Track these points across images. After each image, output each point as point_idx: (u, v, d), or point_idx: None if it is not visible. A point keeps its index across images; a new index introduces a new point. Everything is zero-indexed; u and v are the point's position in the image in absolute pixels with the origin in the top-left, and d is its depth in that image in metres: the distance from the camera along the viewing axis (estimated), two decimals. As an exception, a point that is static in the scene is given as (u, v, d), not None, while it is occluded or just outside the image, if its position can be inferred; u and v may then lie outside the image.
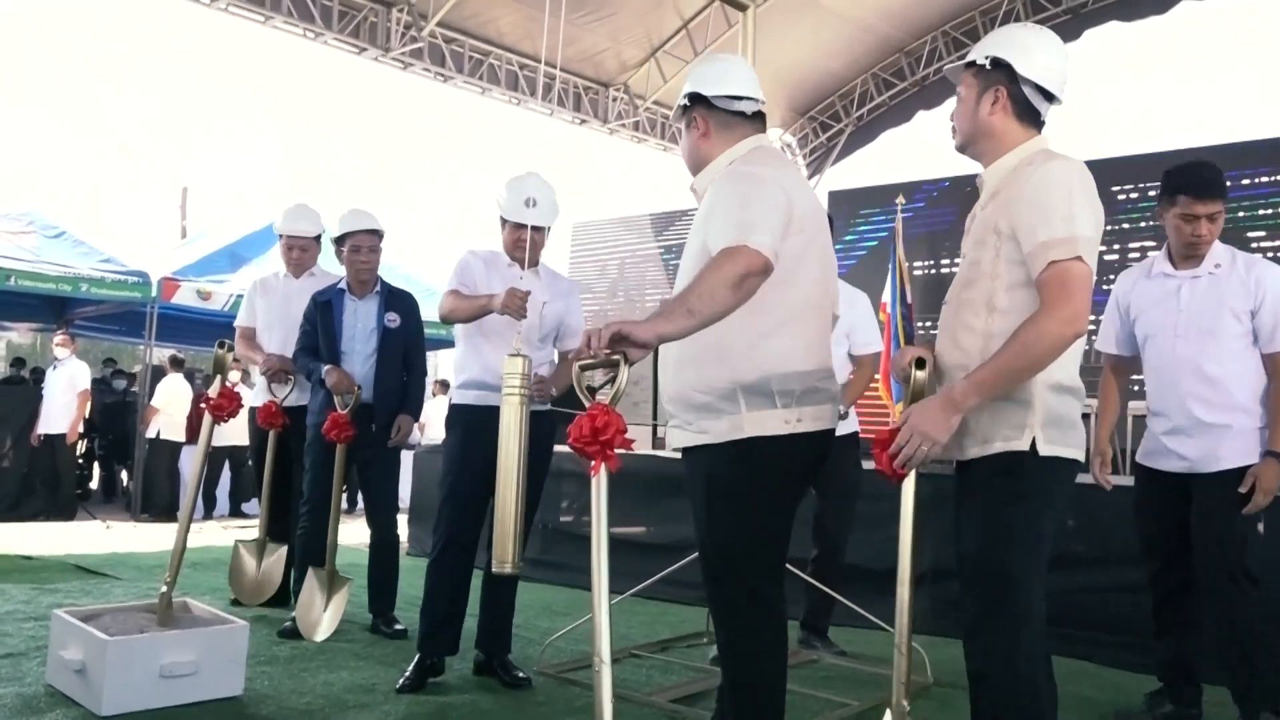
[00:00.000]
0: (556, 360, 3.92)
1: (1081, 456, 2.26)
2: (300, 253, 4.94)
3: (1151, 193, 9.57)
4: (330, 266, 5.17)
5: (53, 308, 11.20)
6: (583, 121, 12.96)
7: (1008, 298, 2.23)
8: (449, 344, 5.77)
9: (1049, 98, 2.36)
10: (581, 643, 4.33)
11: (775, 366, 2.37)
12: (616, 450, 2.05)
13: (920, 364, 2.28)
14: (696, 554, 4.39)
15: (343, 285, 4.49)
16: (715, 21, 11.77)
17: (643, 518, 5.87)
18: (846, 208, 11.19)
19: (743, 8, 4.99)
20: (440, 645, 3.65)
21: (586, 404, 2.07)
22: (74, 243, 9.36)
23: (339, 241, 4.47)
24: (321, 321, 4.41)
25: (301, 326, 4.52)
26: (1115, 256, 9.71)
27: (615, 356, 2.06)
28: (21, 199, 10.13)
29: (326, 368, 4.30)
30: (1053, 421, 2.20)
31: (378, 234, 4.48)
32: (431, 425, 12.04)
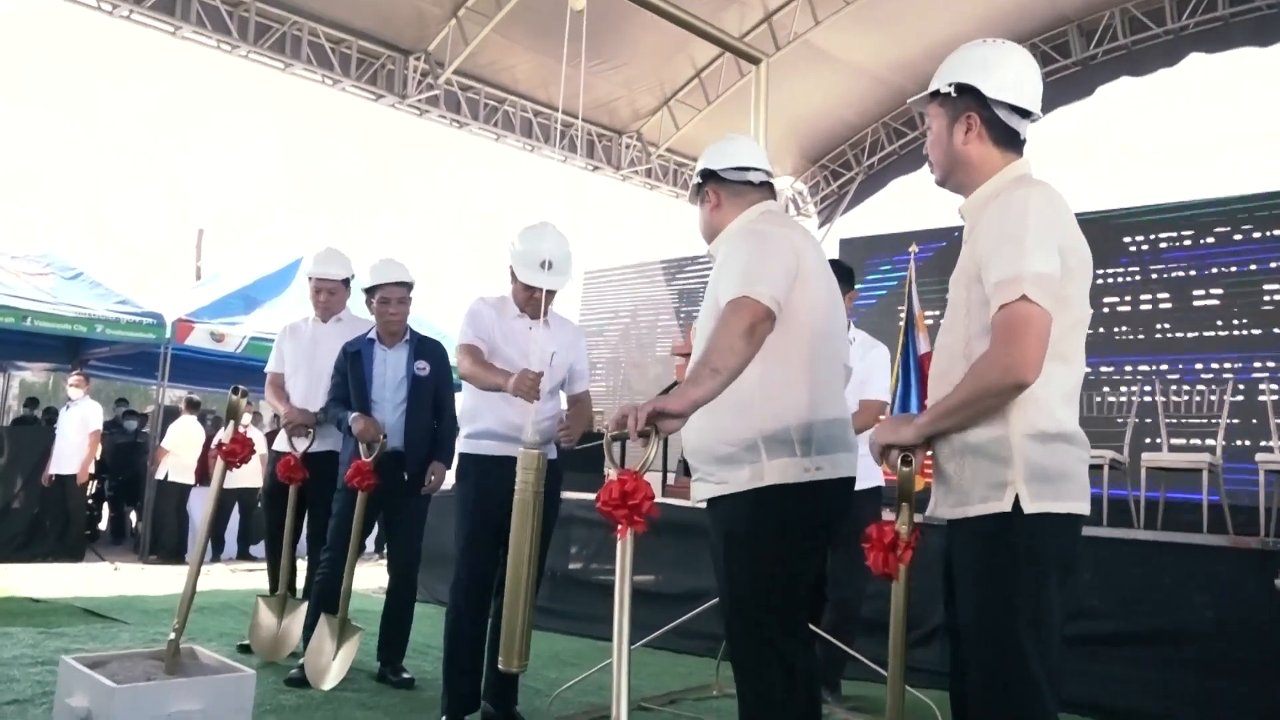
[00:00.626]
0: (565, 405, 3.94)
1: (1083, 509, 2.10)
2: (328, 295, 4.97)
3: (1163, 244, 9.61)
4: (359, 311, 5.23)
5: (68, 348, 11.27)
6: (596, 168, 13.09)
7: (980, 343, 2.08)
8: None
9: (1024, 114, 2.24)
10: (589, 694, 4.30)
11: (794, 416, 2.45)
12: (643, 517, 2.13)
13: (906, 460, 2.18)
14: (706, 605, 4.42)
15: (372, 335, 4.53)
16: (727, 71, 11.93)
17: (652, 567, 5.84)
18: (858, 256, 11.25)
19: (755, 60, 5.07)
20: (466, 703, 3.65)
21: (613, 472, 2.16)
22: (90, 284, 9.46)
23: (369, 292, 4.52)
24: (351, 371, 4.45)
25: (332, 377, 4.56)
26: (1127, 308, 9.71)
27: (646, 429, 2.16)
28: (39, 240, 10.24)
29: (354, 416, 4.32)
30: (1038, 475, 2.04)
31: (407, 285, 4.53)
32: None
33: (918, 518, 2.23)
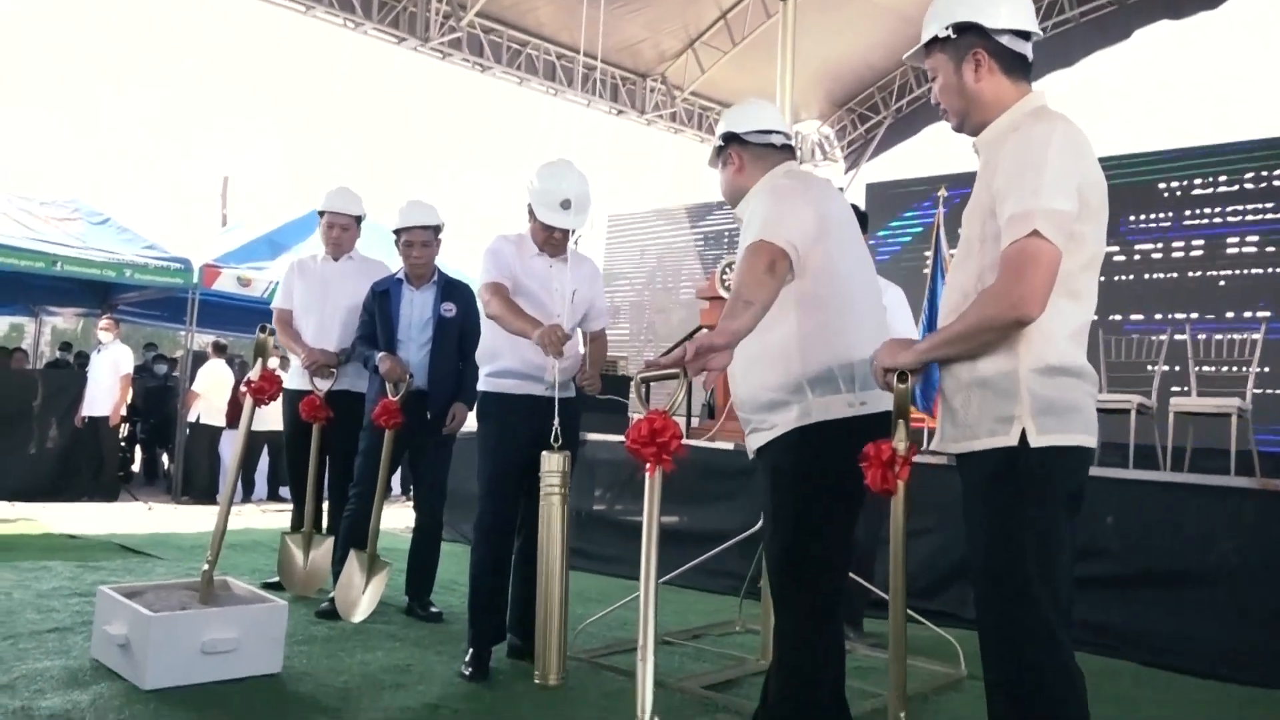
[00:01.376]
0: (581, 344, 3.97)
1: (1090, 442, 2.08)
2: (340, 231, 4.95)
3: (1196, 187, 9.43)
4: (368, 250, 5.24)
5: (97, 293, 11.41)
6: (620, 112, 12.96)
7: (991, 279, 2.07)
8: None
9: (1026, 36, 2.21)
10: (613, 628, 4.36)
11: (837, 357, 2.56)
12: (670, 455, 2.18)
13: (903, 377, 2.20)
14: (729, 543, 4.45)
15: (401, 275, 4.55)
16: (754, 12, 11.72)
17: (677, 507, 5.89)
18: (885, 201, 11.13)
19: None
20: (492, 636, 3.71)
21: (644, 411, 2.23)
22: (118, 229, 9.53)
23: (397, 234, 4.52)
24: (379, 310, 4.49)
25: (360, 315, 4.61)
26: (1158, 251, 9.57)
27: (675, 369, 2.25)
28: (67, 187, 10.29)
29: (380, 355, 4.35)
30: (1044, 409, 2.04)
31: (432, 229, 4.51)
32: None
33: (938, 458, 2.24)
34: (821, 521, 2.58)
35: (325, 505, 4.95)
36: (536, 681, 2.94)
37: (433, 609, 4.49)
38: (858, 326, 2.61)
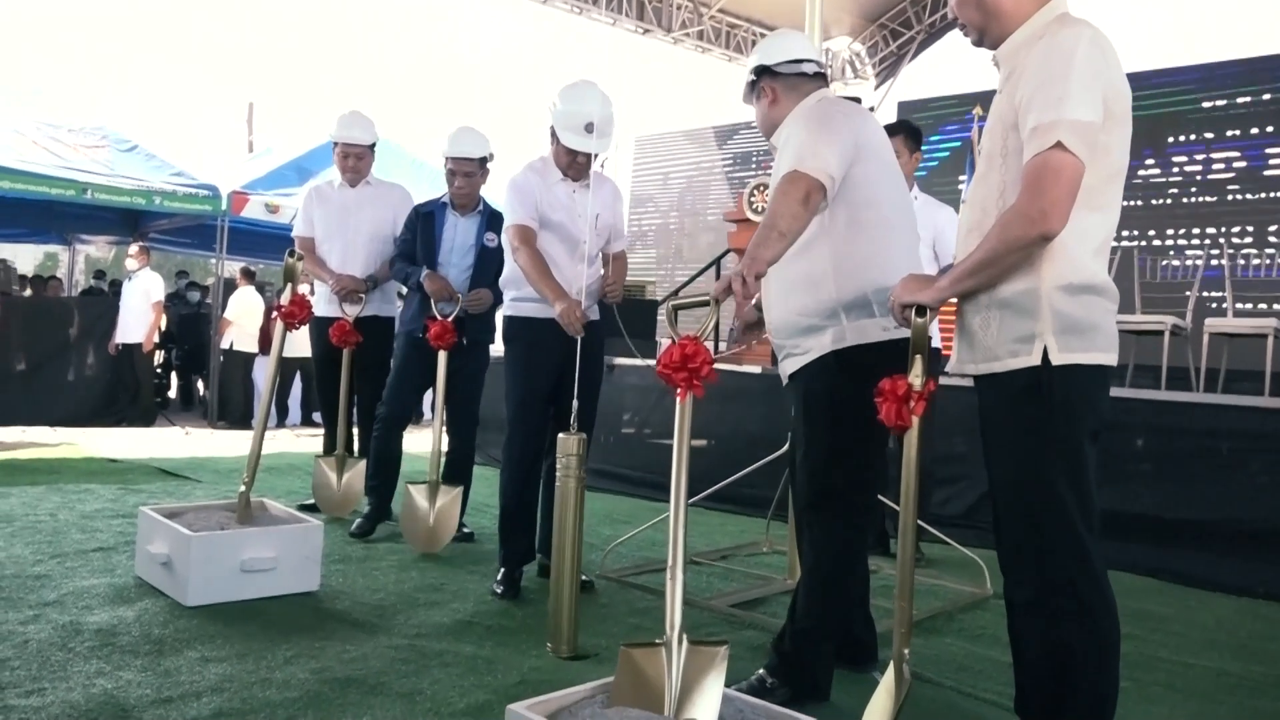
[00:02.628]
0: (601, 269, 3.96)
1: (1111, 360, 2.07)
2: (355, 160, 4.91)
3: (1240, 101, 9.15)
4: (384, 173, 5.21)
5: (128, 221, 11.47)
6: (646, 31, 12.70)
7: (1013, 193, 2.03)
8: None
9: None
10: (642, 549, 4.43)
11: (871, 282, 2.60)
12: (701, 381, 2.23)
13: (920, 311, 2.18)
14: (758, 464, 4.48)
15: (446, 199, 4.52)
16: (784, -76, 11.38)
17: (705, 430, 5.92)
18: (919, 119, 10.89)
19: (813, -92, 4.81)
20: (521, 556, 3.77)
21: (675, 338, 2.28)
22: (146, 156, 9.52)
23: (446, 160, 4.47)
24: (422, 232, 4.47)
25: (401, 235, 4.62)
26: (1198, 169, 9.34)
27: (706, 297, 2.34)
28: (94, 114, 10.26)
29: (426, 272, 4.34)
30: (1067, 327, 2.02)
31: (478, 161, 4.43)
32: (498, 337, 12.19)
33: (966, 379, 2.23)
34: (852, 444, 2.63)
35: (356, 429, 5.00)
36: (549, 650, 3.00)
37: (465, 529, 4.56)
38: (891, 251, 2.65)
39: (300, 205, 5.14)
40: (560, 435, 3.10)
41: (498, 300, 4.27)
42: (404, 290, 4.84)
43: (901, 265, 2.60)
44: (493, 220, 4.51)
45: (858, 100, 3.82)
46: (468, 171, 4.42)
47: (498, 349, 4.17)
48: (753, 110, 2.95)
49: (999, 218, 2.04)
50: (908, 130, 4.48)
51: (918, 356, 2.21)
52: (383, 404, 4.58)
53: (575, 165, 3.70)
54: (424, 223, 4.49)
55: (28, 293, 12.07)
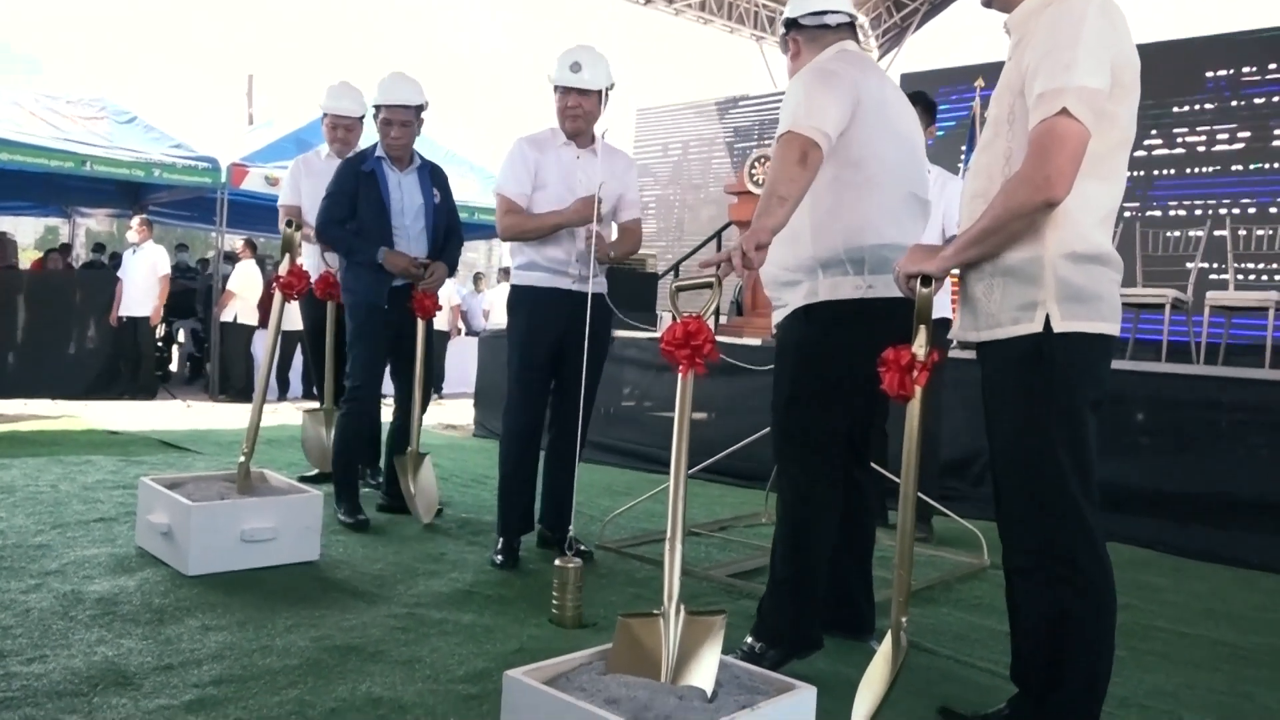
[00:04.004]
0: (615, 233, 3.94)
1: (1113, 330, 2.07)
2: (345, 132, 4.84)
3: (1245, 74, 9.07)
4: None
5: (128, 194, 11.43)
6: (647, 2, 12.59)
7: (1020, 160, 2.02)
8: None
9: None
10: (641, 520, 4.44)
11: (846, 240, 2.59)
12: (703, 359, 2.24)
13: (926, 281, 2.18)
14: (756, 436, 4.48)
15: (380, 154, 4.19)
16: (786, -107, 11.25)
17: (705, 402, 5.91)
18: (920, 90, 10.81)
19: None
20: (520, 527, 3.77)
21: (678, 317, 2.30)
22: (145, 128, 9.46)
23: (377, 109, 4.20)
24: (367, 194, 4.13)
25: (333, 197, 4.15)
26: (1200, 140, 9.28)
27: (710, 278, 2.34)
28: (93, 85, 10.19)
29: (384, 253, 4.07)
30: (1070, 295, 2.02)
31: (412, 109, 4.16)
32: (496, 311, 12.18)
33: (965, 351, 2.22)
34: (813, 393, 2.65)
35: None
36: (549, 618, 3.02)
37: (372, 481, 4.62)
38: (875, 211, 2.62)
39: (287, 174, 5.06)
40: (556, 563, 3.04)
41: (450, 270, 4.28)
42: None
43: (886, 227, 2.61)
44: (434, 175, 4.33)
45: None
46: (404, 121, 4.15)
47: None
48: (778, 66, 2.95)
49: (1003, 184, 2.03)
50: (924, 102, 4.45)
51: (922, 326, 2.20)
52: (354, 381, 4.20)
53: (570, 113, 3.65)
54: (367, 183, 4.13)
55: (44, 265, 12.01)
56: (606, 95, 3.71)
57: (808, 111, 2.49)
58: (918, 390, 2.21)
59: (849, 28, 2.82)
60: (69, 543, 3.57)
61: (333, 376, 4.80)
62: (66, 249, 13.34)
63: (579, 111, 3.64)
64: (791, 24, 2.81)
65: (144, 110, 10.00)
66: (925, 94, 4.75)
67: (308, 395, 10.06)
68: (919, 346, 2.19)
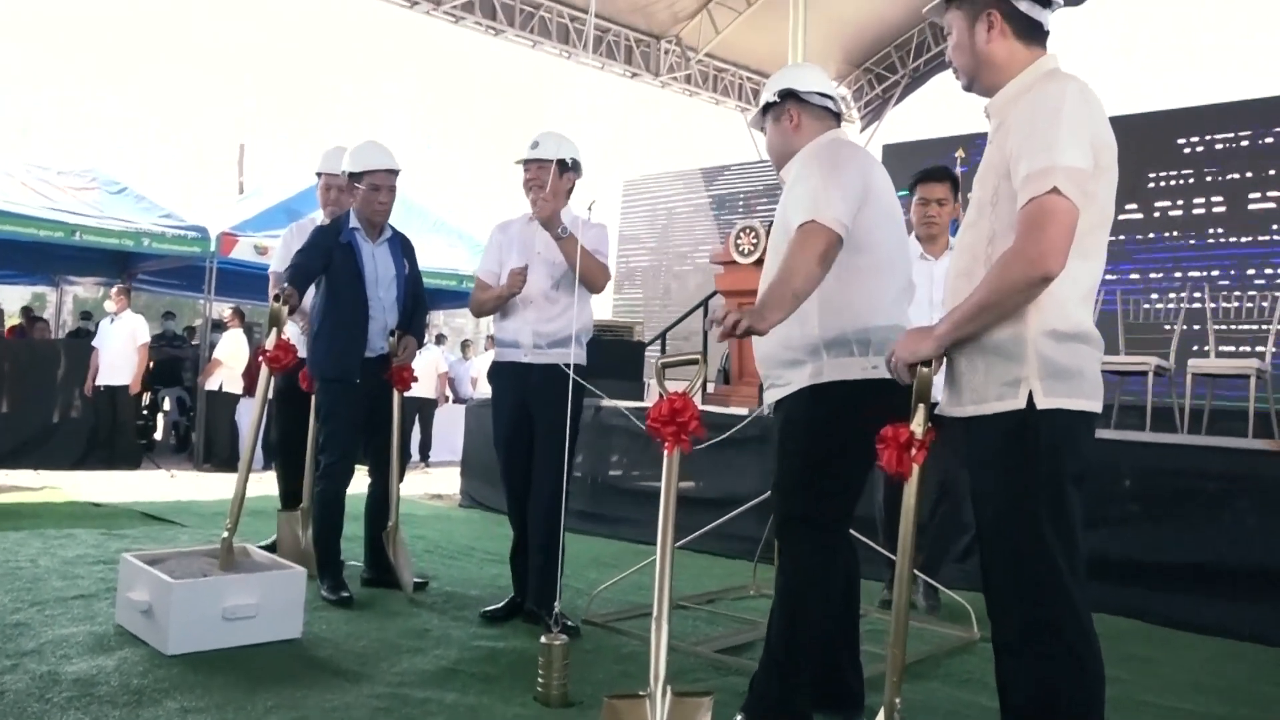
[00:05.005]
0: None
1: (1095, 407, 2.10)
2: (339, 193, 4.78)
3: (1219, 144, 9.28)
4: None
5: (116, 262, 11.46)
6: (634, 75, 12.84)
7: (1004, 240, 2.06)
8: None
9: (1045, 3, 2.19)
10: (628, 593, 4.40)
11: (852, 322, 2.64)
12: (689, 436, 2.29)
13: (925, 362, 2.19)
14: (744, 507, 4.47)
15: (354, 225, 4.21)
16: (769, -29, 11.56)
17: (692, 471, 5.91)
18: (902, 162, 11.00)
19: (795, -44, 4.91)
20: (517, 589, 3.98)
21: (664, 394, 2.35)
22: (136, 198, 9.56)
23: (355, 178, 4.21)
24: (343, 263, 4.13)
25: (306, 251, 4.13)
26: (1178, 210, 9.45)
27: (694, 355, 2.44)
28: (85, 155, 10.32)
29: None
30: (1052, 372, 2.05)
31: (397, 173, 4.26)
32: (484, 379, 12.19)
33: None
34: (821, 472, 2.67)
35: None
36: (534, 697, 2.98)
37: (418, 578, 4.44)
38: (879, 293, 2.69)
39: (280, 242, 5.01)
40: (542, 640, 3.00)
41: (418, 342, 4.38)
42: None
43: (891, 309, 2.68)
44: (404, 246, 4.36)
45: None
46: (392, 185, 4.23)
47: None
48: (759, 134, 3.00)
49: (996, 261, 2.06)
50: (953, 179, 4.53)
51: (920, 405, 2.21)
52: (330, 457, 4.15)
53: (531, 185, 3.79)
54: (344, 253, 4.13)
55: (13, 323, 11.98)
56: (571, 173, 3.87)
57: (828, 201, 2.55)
58: (915, 468, 2.22)
59: (839, 118, 2.93)
60: (47, 621, 3.52)
61: (313, 472, 4.48)
62: (31, 315, 13.24)
63: (537, 182, 3.77)
64: (790, 95, 2.85)
65: (136, 180, 10.13)
66: (950, 169, 4.73)
67: (268, 465, 9.98)
68: (917, 425, 2.21)
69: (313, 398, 4.41)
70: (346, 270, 4.13)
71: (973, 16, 2.21)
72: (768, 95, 2.91)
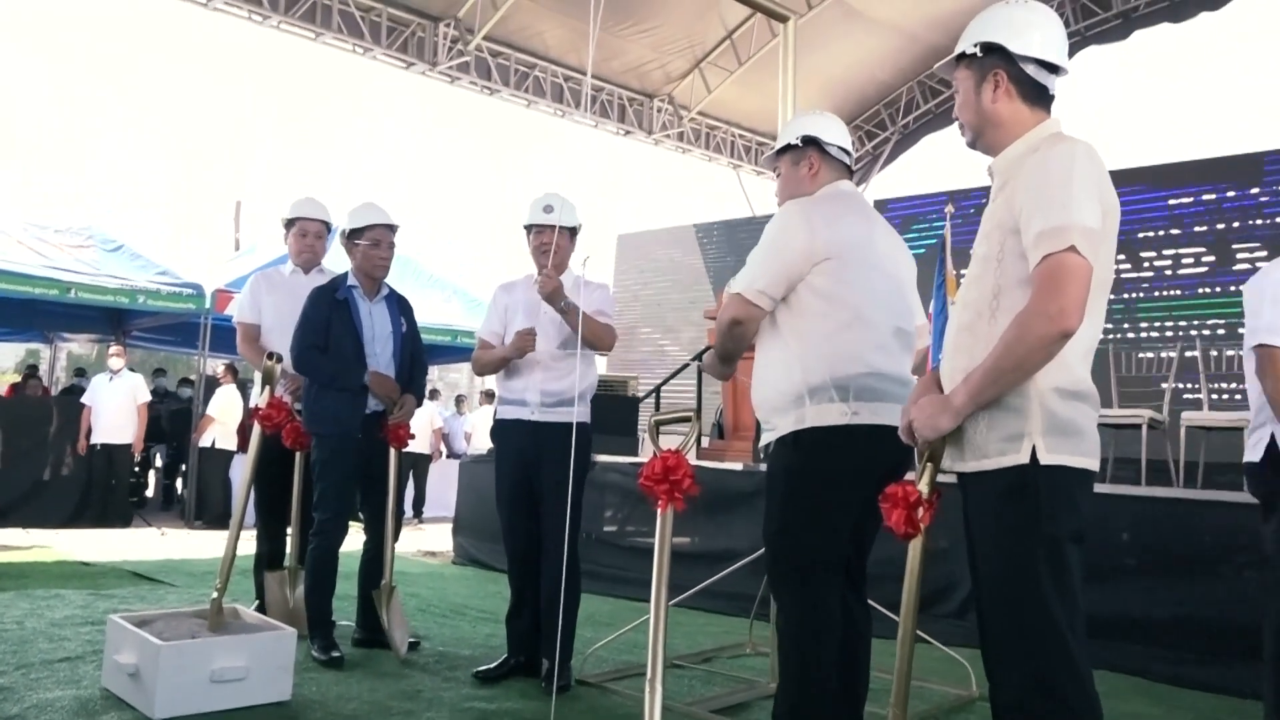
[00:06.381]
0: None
1: (1094, 465, 2.09)
2: (314, 239, 4.71)
3: (1206, 196, 9.40)
4: (335, 265, 4.95)
5: (111, 319, 11.50)
6: (627, 133, 13.02)
7: (1010, 297, 2.09)
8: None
9: (1052, 69, 2.24)
10: (623, 652, 4.34)
11: (833, 369, 2.67)
12: (682, 494, 2.29)
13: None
14: (739, 564, 4.44)
15: (352, 283, 4.23)
16: (759, 32, 11.80)
17: (687, 528, 5.87)
18: (892, 218, 11.14)
19: (783, 19, 4.99)
20: (514, 650, 3.93)
21: (656, 451, 2.35)
22: (132, 256, 9.61)
23: (355, 235, 4.22)
24: (340, 322, 4.14)
25: (309, 324, 4.14)
26: (1167, 264, 9.55)
27: (688, 413, 2.45)
28: (81, 213, 10.41)
29: (371, 374, 4.09)
30: (1055, 429, 2.05)
31: (395, 229, 4.29)
32: (478, 434, 12.15)
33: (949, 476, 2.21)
34: (806, 514, 2.67)
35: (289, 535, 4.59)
36: None
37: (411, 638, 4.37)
38: (856, 343, 2.70)
39: (246, 291, 4.78)
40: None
41: (418, 400, 4.36)
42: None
43: (872, 356, 2.69)
44: (401, 305, 4.37)
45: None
46: (390, 241, 4.27)
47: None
48: (751, 189, 3.07)
49: (1011, 322, 2.04)
50: None
51: (929, 464, 2.19)
52: (324, 513, 4.11)
53: (543, 250, 3.81)
54: (340, 311, 4.15)
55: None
56: (575, 239, 3.97)
57: (756, 274, 2.70)
58: (922, 528, 2.20)
59: (850, 170, 3.00)
60: (31, 685, 3.46)
61: (299, 531, 4.47)
62: (30, 373, 13.24)
63: (550, 247, 3.80)
64: (813, 142, 2.91)
65: (132, 237, 10.18)
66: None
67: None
68: (924, 484, 2.19)
69: (296, 455, 4.35)
70: (344, 328, 4.14)
71: (980, 76, 2.25)
72: (790, 138, 2.96)
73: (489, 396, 12.73)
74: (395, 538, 4.31)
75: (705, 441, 7.53)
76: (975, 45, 2.25)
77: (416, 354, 4.40)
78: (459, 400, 14.28)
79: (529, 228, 3.91)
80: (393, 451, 4.21)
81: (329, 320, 4.13)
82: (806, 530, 2.67)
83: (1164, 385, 6.48)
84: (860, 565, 2.82)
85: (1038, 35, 2.23)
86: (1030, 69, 2.21)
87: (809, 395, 2.67)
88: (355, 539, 4.35)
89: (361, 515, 4.37)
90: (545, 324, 3.82)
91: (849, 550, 2.74)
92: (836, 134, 2.94)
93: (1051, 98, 2.26)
